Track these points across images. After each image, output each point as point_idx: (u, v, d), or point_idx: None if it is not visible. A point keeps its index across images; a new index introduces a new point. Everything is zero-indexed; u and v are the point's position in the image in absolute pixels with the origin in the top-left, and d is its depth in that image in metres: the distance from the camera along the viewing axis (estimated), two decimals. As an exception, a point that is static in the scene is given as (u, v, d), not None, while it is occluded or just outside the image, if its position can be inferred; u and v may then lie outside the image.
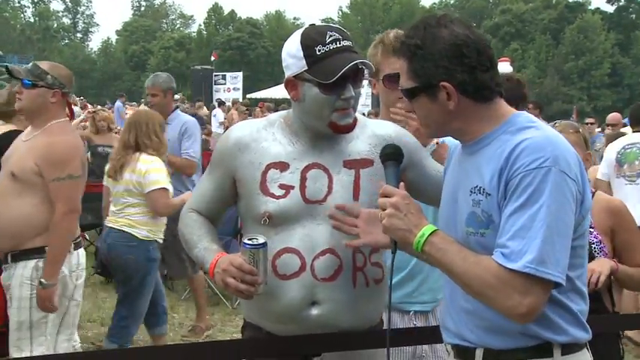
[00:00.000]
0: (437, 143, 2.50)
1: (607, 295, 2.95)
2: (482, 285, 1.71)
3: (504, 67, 24.46)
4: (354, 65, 2.03)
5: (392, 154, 1.97)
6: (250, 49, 57.27)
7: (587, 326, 1.87)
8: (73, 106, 3.98)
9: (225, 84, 32.56)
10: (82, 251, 3.69)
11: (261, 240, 2.02)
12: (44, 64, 3.61)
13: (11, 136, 3.98)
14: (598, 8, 57.72)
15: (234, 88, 31.18)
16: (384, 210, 1.84)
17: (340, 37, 2.06)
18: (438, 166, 2.28)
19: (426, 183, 2.21)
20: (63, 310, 3.53)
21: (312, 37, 2.06)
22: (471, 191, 1.81)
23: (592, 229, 2.83)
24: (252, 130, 2.20)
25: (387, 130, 2.24)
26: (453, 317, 1.92)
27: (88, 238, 8.85)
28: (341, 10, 70.67)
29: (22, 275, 3.43)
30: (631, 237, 2.93)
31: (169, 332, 5.76)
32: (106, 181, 4.96)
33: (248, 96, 29.14)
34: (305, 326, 2.12)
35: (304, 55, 2.04)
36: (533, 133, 1.76)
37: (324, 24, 2.23)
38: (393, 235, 1.84)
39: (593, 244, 2.86)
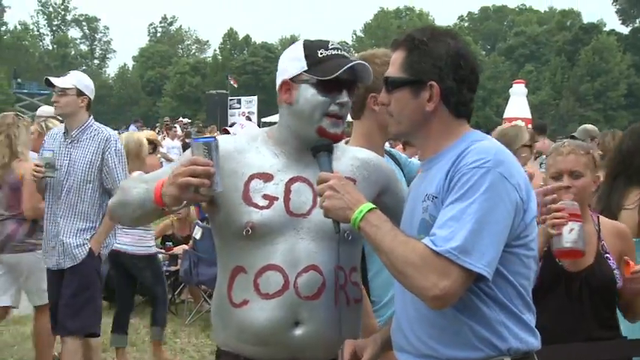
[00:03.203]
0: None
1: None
2: (405, 262, 1.74)
3: (519, 89, 24.27)
4: (353, 75, 2.06)
5: (322, 146, 2.02)
6: (265, 74, 57.63)
7: (537, 333, 1.89)
8: None
9: (240, 108, 32.77)
10: None
11: (210, 136, 1.95)
12: None
13: None
14: (613, 30, 57.62)
15: (249, 112, 31.34)
16: (321, 196, 1.88)
17: (341, 47, 2.11)
18: None
19: (402, 208, 2.18)
20: None
21: (315, 43, 2.11)
22: (423, 200, 1.86)
23: (608, 255, 2.80)
24: (235, 142, 2.17)
25: (367, 154, 2.25)
26: (404, 333, 1.90)
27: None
28: (355, 34, 71.17)
29: None
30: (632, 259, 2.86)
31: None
32: None
33: (263, 120, 29.26)
34: (287, 348, 2.04)
35: (305, 56, 2.07)
36: (483, 142, 1.85)
37: None
38: (334, 215, 1.89)
39: (615, 269, 2.79)
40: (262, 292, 2.02)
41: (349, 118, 2.34)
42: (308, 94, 2.07)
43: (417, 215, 1.88)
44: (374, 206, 1.85)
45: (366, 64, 2.08)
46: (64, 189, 4.44)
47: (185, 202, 2.01)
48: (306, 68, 2.06)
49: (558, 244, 2.60)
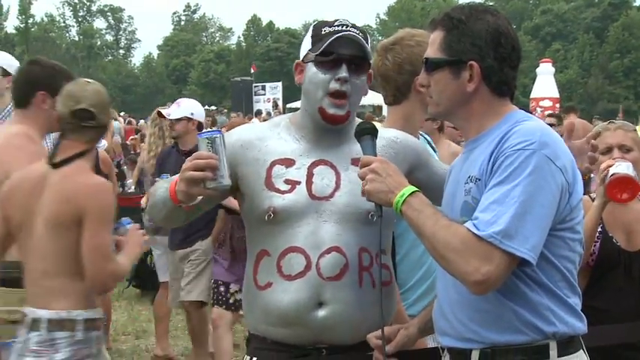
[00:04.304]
0: None
1: None
2: (447, 247, 1.72)
3: (546, 68, 23.91)
4: (352, 48, 2.03)
5: (367, 129, 1.98)
6: (289, 60, 57.43)
7: (584, 317, 1.86)
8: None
9: (264, 94, 32.79)
10: None
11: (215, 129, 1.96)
12: None
13: None
14: (642, 5, 56.41)
15: (274, 98, 31.36)
16: (363, 180, 1.87)
17: (349, 24, 2.08)
18: (445, 165, 2.27)
19: (435, 182, 2.18)
20: None
21: (324, 22, 2.11)
22: (465, 182, 1.83)
23: None
24: (256, 130, 2.19)
25: (392, 132, 2.23)
26: (446, 316, 1.88)
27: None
28: (378, 17, 70.72)
29: None
30: None
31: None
32: None
33: (288, 105, 29.28)
34: (311, 329, 2.05)
35: (311, 36, 2.09)
36: (528, 122, 1.81)
37: None
38: (375, 199, 1.87)
39: None
40: (285, 274, 2.04)
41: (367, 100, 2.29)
42: (310, 72, 2.08)
43: (460, 197, 1.85)
44: (416, 189, 1.83)
45: (359, 34, 2.05)
46: None
47: (199, 196, 2.01)
48: (310, 47, 2.08)
49: (606, 181, 2.54)
